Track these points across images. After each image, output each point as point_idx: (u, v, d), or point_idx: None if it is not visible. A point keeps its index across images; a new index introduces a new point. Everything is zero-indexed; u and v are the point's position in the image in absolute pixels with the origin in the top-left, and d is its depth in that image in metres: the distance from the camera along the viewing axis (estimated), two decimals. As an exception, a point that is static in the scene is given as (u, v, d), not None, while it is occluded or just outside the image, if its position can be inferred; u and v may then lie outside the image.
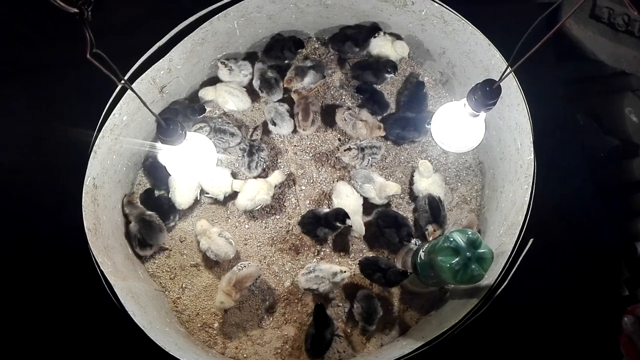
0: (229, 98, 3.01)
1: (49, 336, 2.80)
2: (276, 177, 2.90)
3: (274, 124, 2.98)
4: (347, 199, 2.82)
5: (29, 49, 3.20)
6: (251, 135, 3.04)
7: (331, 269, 2.68)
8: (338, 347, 2.76)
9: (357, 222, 2.80)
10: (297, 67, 3.01)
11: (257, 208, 2.90)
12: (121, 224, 2.81)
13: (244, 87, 3.09)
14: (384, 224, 2.84)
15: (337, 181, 2.95)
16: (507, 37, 2.52)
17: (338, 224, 2.71)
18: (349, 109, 2.99)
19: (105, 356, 2.77)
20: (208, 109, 3.02)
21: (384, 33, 3.06)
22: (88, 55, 1.23)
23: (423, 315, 2.82)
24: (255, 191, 2.81)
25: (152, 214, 2.78)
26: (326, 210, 2.81)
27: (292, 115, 3.00)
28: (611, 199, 3.29)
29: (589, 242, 3.13)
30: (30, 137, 3.00)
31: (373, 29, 3.04)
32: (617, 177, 3.37)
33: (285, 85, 3.01)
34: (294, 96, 3.03)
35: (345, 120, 2.96)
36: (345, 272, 2.67)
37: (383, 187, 2.86)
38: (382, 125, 2.97)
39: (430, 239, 2.81)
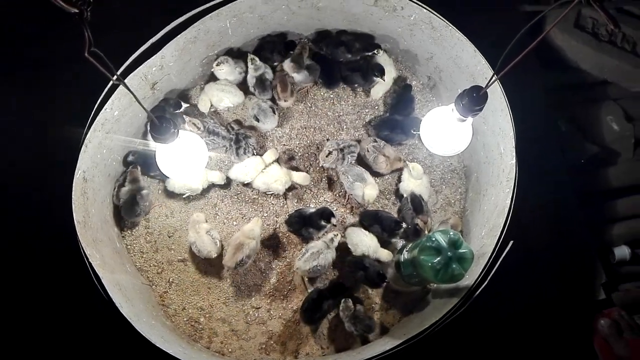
0: (223, 95, 3.06)
1: (37, 326, 2.82)
2: (300, 177, 2.94)
3: (257, 120, 3.03)
4: (365, 239, 2.83)
5: (21, 46, 3.20)
6: (232, 129, 3.08)
7: (322, 240, 2.78)
8: (321, 344, 2.82)
9: (384, 253, 2.84)
10: (298, 58, 3.05)
11: (268, 193, 2.99)
12: (110, 217, 2.84)
13: (237, 84, 3.14)
14: (368, 224, 2.91)
15: (346, 230, 2.92)
16: (493, 44, 2.59)
17: (323, 223, 2.77)
18: (375, 141, 3.01)
19: (92, 347, 2.78)
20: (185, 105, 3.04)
21: (384, 51, 3.16)
22: (86, 54, 1.27)
23: (405, 313, 2.88)
24: (272, 179, 2.89)
25: (145, 194, 2.86)
26: (312, 210, 2.86)
27: (274, 111, 3.04)
28: (590, 204, 3.37)
29: (568, 246, 3.20)
30: (23, 132, 3.00)
31: (372, 45, 3.11)
32: (597, 183, 3.45)
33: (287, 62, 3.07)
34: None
35: (369, 151, 2.99)
36: (337, 235, 2.79)
37: (370, 187, 2.91)
38: (402, 157, 3.04)
39: (426, 231, 2.89)
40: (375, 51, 3.10)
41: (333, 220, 2.78)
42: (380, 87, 3.17)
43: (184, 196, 2.97)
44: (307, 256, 2.75)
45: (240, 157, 2.97)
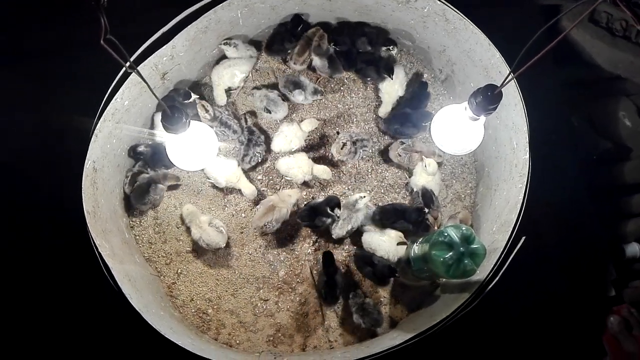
0: (232, 70, 3.03)
1: (46, 316, 2.83)
2: (320, 170, 2.92)
3: (269, 111, 3.00)
4: (382, 243, 2.81)
5: (30, 34, 3.18)
6: (246, 122, 3.06)
7: (349, 202, 2.80)
8: (330, 337, 2.81)
9: (403, 250, 2.84)
10: (318, 50, 3.02)
11: (286, 177, 2.99)
12: (119, 207, 2.84)
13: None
14: (391, 221, 2.86)
15: (362, 236, 2.89)
16: (507, 37, 2.57)
17: (330, 211, 2.77)
18: (402, 143, 2.98)
19: (101, 337, 2.79)
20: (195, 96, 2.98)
21: (398, 49, 3.16)
22: (102, 41, 1.25)
23: (415, 308, 2.87)
24: (296, 164, 2.88)
25: (160, 188, 2.88)
26: (320, 199, 2.85)
27: (284, 98, 3.02)
28: (602, 200, 3.34)
29: (579, 242, 3.18)
30: (33, 122, 3.00)
31: (389, 40, 3.11)
32: (609, 179, 3.42)
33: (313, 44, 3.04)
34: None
35: (400, 155, 2.96)
36: (364, 197, 2.78)
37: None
38: (436, 151, 2.99)
39: (435, 227, 2.88)
40: (390, 47, 3.09)
41: (337, 211, 2.77)
42: (386, 107, 3.10)
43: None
44: (340, 223, 2.80)
45: (244, 164, 2.95)
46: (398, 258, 2.82)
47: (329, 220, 2.81)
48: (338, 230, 2.81)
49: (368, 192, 2.94)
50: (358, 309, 2.69)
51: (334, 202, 2.78)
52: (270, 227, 2.83)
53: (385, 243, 2.80)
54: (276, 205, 2.78)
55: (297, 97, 3.01)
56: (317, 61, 3.06)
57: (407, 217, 2.83)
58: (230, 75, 3.04)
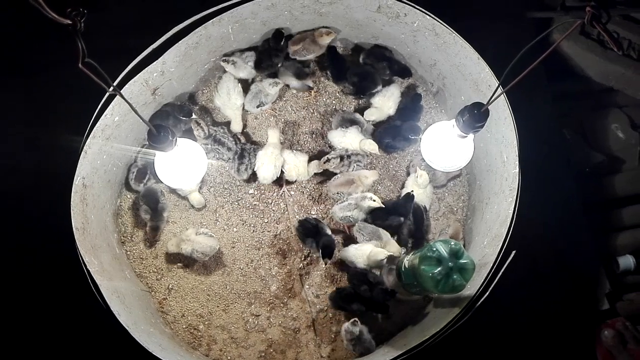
0: (237, 76, 3.04)
1: (33, 335, 2.80)
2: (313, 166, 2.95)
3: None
4: (359, 252, 2.78)
5: (20, 50, 3.18)
6: (239, 140, 3.05)
7: (360, 195, 2.82)
8: (322, 352, 2.80)
9: (385, 251, 2.81)
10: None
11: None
12: (110, 223, 2.83)
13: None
14: (383, 219, 2.85)
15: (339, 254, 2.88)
16: (497, 51, 2.58)
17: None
18: (423, 161, 2.96)
19: (88, 355, 2.77)
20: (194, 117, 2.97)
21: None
22: (80, 65, 1.26)
23: (406, 323, 2.85)
24: (292, 163, 2.90)
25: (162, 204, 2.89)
26: (327, 232, 2.79)
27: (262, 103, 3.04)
28: (595, 213, 3.34)
29: (572, 256, 3.17)
30: (22, 137, 2.99)
31: (406, 71, 3.11)
32: (602, 192, 3.42)
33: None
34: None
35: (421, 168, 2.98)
36: (374, 200, 2.80)
37: (387, 244, 2.83)
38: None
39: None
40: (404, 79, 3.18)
41: (326, 260, 2.71)
42: (375, 112, 3.07)
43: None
44: (344, 204, 2.81)
45: (240, 173, 2.92)
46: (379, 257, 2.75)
47: (316, 251, 2.79)
48: (337, 210, 2.83)
49: (379, 198, 2.88)
50: (350, 341, 2.64)
51: (328, 252, 2.68)
52: (341, 199, 2.88)
53: (360, 251, 2.76)
54: (358, 184, 2.83)
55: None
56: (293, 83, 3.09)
57: (389, 219, 2.84)
58: (239, 95, 3.02)
